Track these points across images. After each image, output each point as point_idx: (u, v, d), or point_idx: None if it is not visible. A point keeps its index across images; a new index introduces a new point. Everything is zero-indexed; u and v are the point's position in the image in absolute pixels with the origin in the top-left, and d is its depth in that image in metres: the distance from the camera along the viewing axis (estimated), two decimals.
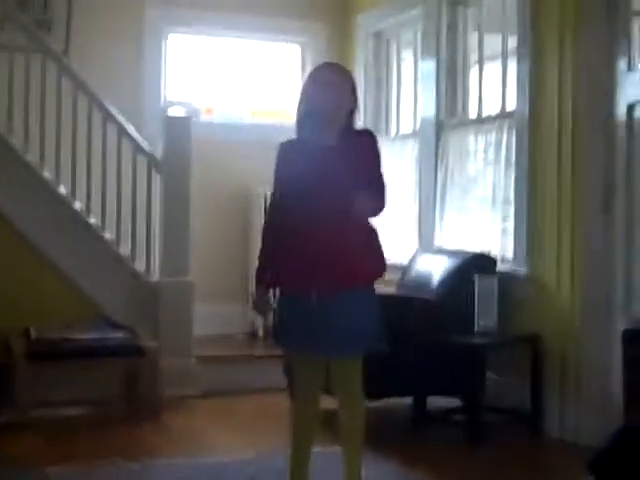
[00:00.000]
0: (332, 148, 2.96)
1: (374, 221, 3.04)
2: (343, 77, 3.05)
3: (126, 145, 5.18)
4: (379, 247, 3.03)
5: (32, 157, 4.99)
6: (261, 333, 5.88)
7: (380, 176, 2.98)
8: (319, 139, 2.98)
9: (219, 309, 5.91)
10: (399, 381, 4.31)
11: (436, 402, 4.43)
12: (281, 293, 3.09)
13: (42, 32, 5.38)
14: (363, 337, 2.97)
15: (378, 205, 2.94)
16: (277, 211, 3.07)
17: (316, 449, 3.12)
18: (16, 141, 4.96)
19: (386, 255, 3.06)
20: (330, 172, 2.91)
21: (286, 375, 4.11)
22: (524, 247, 4.44)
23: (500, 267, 4.55)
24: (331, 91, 2.96)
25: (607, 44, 4.01)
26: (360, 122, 3.20)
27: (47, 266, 4.92)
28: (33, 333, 4.63)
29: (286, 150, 3.06)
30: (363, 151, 2.98)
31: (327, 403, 3.23)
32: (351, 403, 3.04)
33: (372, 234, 3.03)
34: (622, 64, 3.97)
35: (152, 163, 5.20)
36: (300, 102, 3.05)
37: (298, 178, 2.95)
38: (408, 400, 4.44)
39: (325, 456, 3.29)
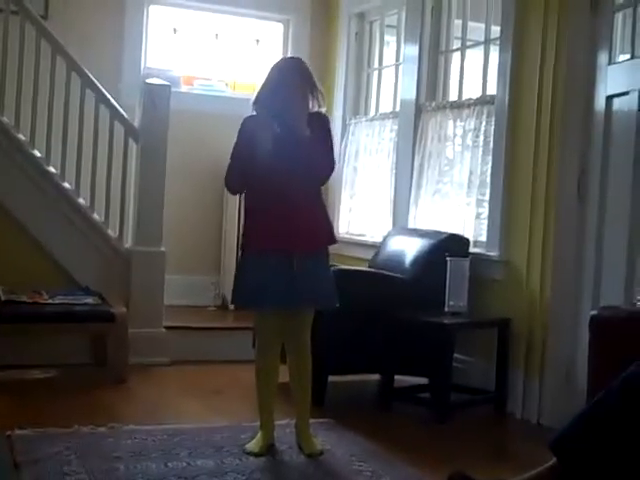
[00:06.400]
0: (301, 136, 3.34)
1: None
2: (304, 79, 3.40)
3: (104, 112, 5.14)
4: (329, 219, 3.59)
5: (7, 119, 4.94)
6: (232, 306, 5.88)
7: (331, 145, 3.48)
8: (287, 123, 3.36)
9: (191, 280, 5.92)
10: (367, 358, 4.34)
11: (404, 380, 4.47)
12: (250, 256, 3.39)
13: None
14: (333, 292, 3.44)
15: (330, 163, 3.46)
16: (252, 178, 3.43)
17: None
18: None
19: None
20: (300, 152, 3.34)
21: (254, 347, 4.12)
22: (497, 231, 4.48)
23: (473, 250, 4.60)
24: (295, 98, 3.36)
25: (589, 36, 4.03)
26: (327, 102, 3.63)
27: (18, 230, 4.88)
28: (2, 295, 4.60)
29: (253, 125, 3.39)
30: (318, 131, 3.39)
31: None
32: (303, 350, 3.49)
33: (325, 208, 3.56)
34: (603, 57, 3.99)
35: (129, 131, 5.16)
36: (263, 90, 3.44)
37: (273, 154, 3.32)
38: (376, 377, 4.48)
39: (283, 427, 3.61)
